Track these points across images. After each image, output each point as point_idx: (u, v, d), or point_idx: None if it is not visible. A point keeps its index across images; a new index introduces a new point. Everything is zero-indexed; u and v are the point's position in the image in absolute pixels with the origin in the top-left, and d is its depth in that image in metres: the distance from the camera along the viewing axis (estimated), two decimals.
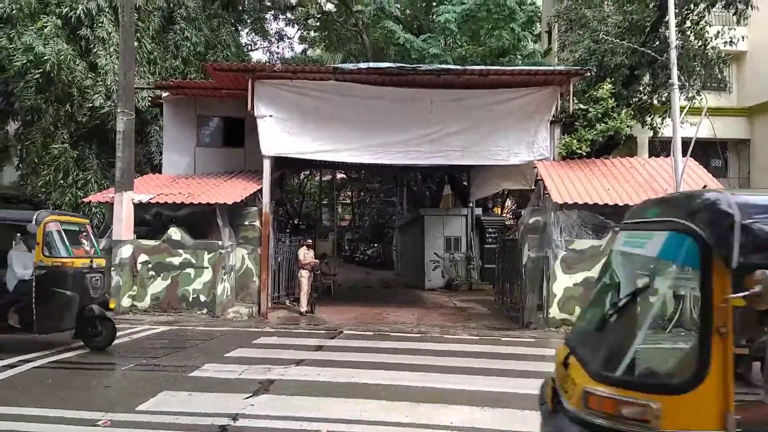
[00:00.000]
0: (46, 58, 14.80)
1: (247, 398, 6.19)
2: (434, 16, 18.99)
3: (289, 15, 28.73)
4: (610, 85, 13.32)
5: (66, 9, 15.64)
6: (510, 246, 14.41)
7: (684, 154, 11.51)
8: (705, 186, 11.11)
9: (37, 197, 17.57)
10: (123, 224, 12.44)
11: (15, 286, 8.35)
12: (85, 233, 9.31)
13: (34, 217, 8.31)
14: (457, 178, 23.12)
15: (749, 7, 14.54)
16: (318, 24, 29.29)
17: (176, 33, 18.02)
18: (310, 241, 15.22)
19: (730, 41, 14.81)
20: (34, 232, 8.15)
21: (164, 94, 15.53)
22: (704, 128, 12.17)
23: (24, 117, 16.39)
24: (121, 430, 5.17)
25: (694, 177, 12.19)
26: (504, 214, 27.92)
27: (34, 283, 8.10)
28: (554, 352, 9.19)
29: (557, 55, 19.27)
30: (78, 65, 15.46)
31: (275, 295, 14.93)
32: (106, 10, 15.75)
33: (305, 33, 31.04)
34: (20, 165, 18.79)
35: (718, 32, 14.67)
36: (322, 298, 15.99)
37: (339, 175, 39.76)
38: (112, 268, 12.41)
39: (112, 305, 9.20)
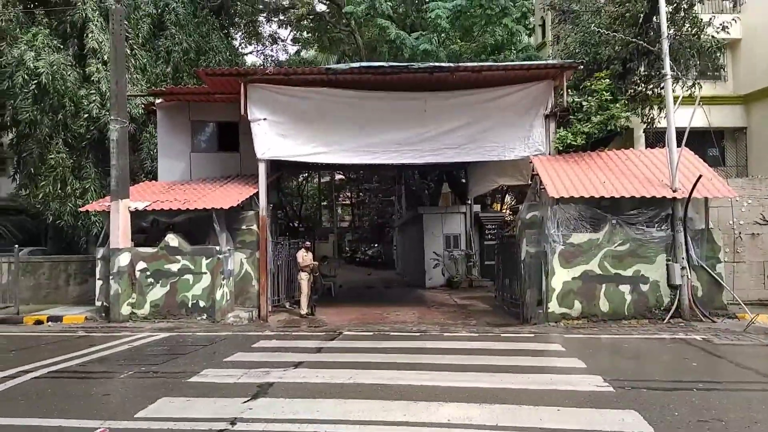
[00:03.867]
0: (40, 70, 14.81)
1: (245, 402, 6.18)
2: (426, 13, 18.96)
3: (281, 17, 28.73)
4: (608, 80, 13.28)
5: (55, 21, 15.64)
6: (509, 242, 14.40)
7: (679, 145, 11.50)
8: (701, 176, 11.12)
9: (35, 208, 17.61)
10: (120, 232, 12.43)
11: None
12: None
13: None
14: (455, 176, 23.12)
15: None
16: (311, 26, 29.28)
17: (167, 39, 18.02)
18: (308, 243, 15.22)
19: (723, 27, 14.76)
20: None
21: (157, 101, 15.53)
22: (700, 117, 12.17)
23: (22, 130, 16.38)
24: None
25: (689, 167, 12.16)
26: (503, 210, 27.89)
27: None
28: (552, 347, 9.33)
29: (551, 47, 19.22)
30: (70, 75, 15.45)
31: (275, 299, 14.94)
32: (95, 18, 15.71)
33: (298, 35, 31.03)
34: (15, 176, 18.81)
35: (710, 19, 14.61)
36: (323, 300, 15.99)
37: (338, 177, 39.78)
38: (111, 277, 12.44)
39: None
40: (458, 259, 20.93)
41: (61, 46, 15.74)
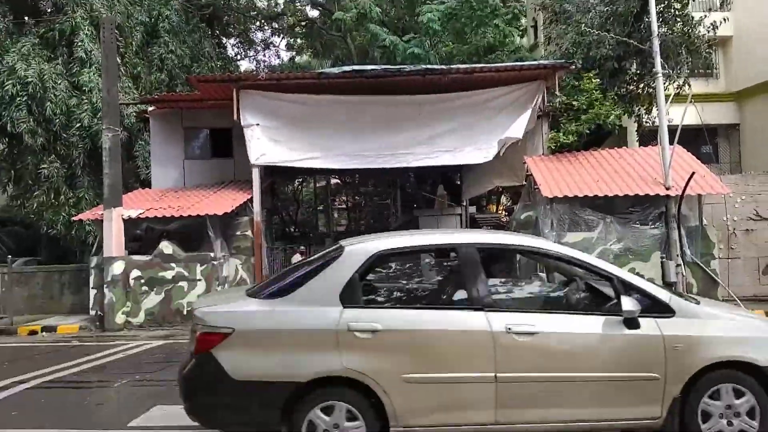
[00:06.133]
0: (29, 80, 14.73)
1: None
2: (418, 17, 19.00)
3: (274, 25, 28.75)
4: (597, 80, 13.29)
5: (43, 29, 15.58)
6: None
7: (671, 142, 11.52)
8: (693, 173, 11.14)
9: (29, 218, 17.53)
10: (113, 241, 12.38)
11: None
12: None
13: None
14: (450, 178, 23.09)
15: None
16: (303, 32, 29.32)
17: (160, 46, 17.98)
18: (303, 248, 15.19)
19: (713, 26, 14.81)
20: None
21: (150, 109, 15.49)
22: (693, 115, 12.19)
23: (18, 141, 16.30)
24: None
25: (682, 164, 12.18)
26: (499, 212, 27.87)
27: None
28: None
29: (544, 48, 19.26)
30: (60, 84, 15.38)
31: None
32: (84, 27, 15.63)
33: (291, 41, 31.04)
34: (6, 187, 18.73)
35: (701, 18, 14.66)
36: None
37: (333, 181, 39.68)
38: (105, 286, 12.38)
39: None
40: None
41: (51, 55, 15.67)
